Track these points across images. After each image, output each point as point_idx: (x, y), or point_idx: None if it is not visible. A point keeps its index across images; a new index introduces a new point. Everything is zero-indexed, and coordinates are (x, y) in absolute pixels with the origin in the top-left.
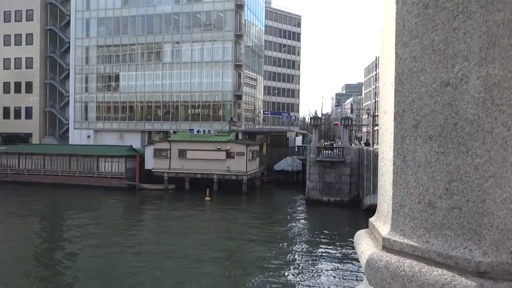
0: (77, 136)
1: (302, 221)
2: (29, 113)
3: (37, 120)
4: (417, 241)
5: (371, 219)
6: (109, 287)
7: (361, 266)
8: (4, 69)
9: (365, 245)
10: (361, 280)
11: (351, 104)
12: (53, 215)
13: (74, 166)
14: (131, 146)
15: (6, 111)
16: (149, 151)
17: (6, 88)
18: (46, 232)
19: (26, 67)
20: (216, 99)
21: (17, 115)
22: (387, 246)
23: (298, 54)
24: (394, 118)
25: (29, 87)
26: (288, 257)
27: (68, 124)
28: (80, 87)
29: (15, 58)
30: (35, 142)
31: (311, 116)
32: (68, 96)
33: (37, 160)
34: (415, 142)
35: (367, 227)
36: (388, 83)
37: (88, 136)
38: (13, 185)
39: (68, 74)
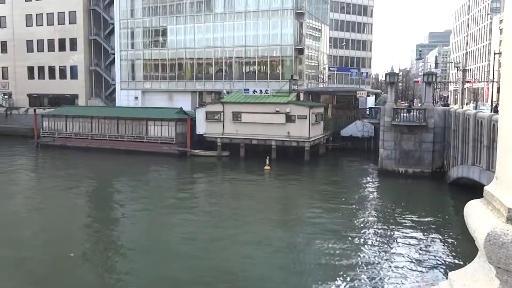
0: (124, 97)
1: (374, 195)
2: (74, 73)
3: (83, 80)
4: None
5: (488, 187)
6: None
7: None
8: (48, 25)
9: (482, 217)
10: (448, 267)
11: (436, 56)
12: (100, 183)
13: (122, 130)
14: (181, 108)
15: (52, 71)
16: (200, 114)
17: (51, 45)
18: (93, 201)
19: (70, 22)
20: (274, 54)
21: (62, 75)
22: None
23: None
24: None
25: (73, 44)
26: (357, 240)
27: (114, 84)
28: (126, 44)
29: (58, 13)
30: (81, 104)
31: (386, 72)
32: (114, 54)
33: (84, 124)
34: None
35: (453, 203)
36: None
37: (136, 97)
38: (61, 150)
39: (113, 29)
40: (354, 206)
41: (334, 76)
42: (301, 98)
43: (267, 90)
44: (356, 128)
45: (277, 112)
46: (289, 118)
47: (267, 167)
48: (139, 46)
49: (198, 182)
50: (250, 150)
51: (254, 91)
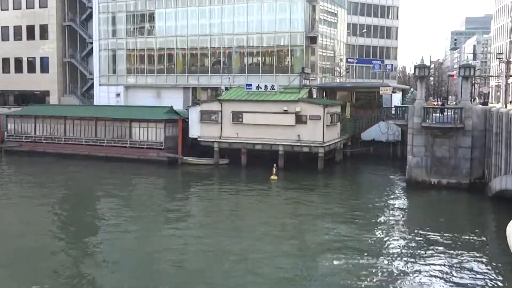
0: (104, 95)
1: (402, 212)
2: (44, 65)
3: (55, 74)
4: None
5: None
6: None
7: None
8: (14, 9)
9: None
10: None
11: (474, 46)
12: (74, 198)
13: (101, 133)
14: (171, 107)
15: (18, 63)
16: (194, 114)
17: (17, 33)
18: (65, 220)
19: (40, 6)
20: (282, 43)
21: (31, 68)
22: None
23: None
24: None
25: (43, 31)
26: (383, 267)
27: (92, 79)
28: (106, 31)
29: None
30: (53, 102)
31: (415, 65)
32: (92, 43)
33: (56, 125)
34: None
35: (496, 220)
36: None
37: (118, 95)
38: (29, 156)
39: (91, 14)
40: (378, 225)
41: (353, 69)
42: (314, 95)
43: (273, 85)
44: (379, 131)
45: (286, 112)
46: (300, 119)
47: (273, 177)
48: (122, 33)
49: (191, 196)
50: (253, 156)
51: (258, 87)
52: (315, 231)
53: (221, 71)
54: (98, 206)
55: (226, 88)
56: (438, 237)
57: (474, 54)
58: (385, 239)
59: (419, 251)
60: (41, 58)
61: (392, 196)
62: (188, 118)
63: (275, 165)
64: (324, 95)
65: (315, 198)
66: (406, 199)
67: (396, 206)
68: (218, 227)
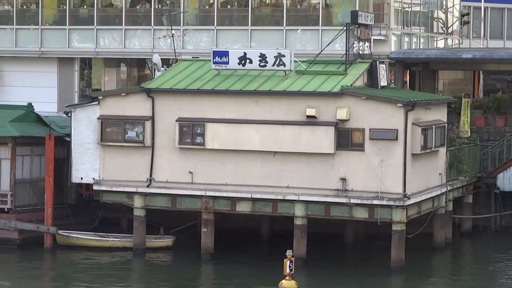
0: None
1: None
2: None
3: None
4: None
5: None
6: None
7: None
8: None
9: None
10: None
11: None
12: None
13: None
14: (31, 107)
15: None
16: (84, 126)
17: None
18: None
19: None
20: None
21: None
22: None
23: None
24: None
25: None
26: None
27: None
28: None
29: None
30: None
31: None
32: None
33: None
34: None
35: None
36: None
37: None
38: None
39: None
40: None
41: (476, 17)
42: (382, 82)
43: (281, 55)
44: None
45: (312, 122)
46: (346, 139)
47: (286, 284)
48: None
49: None
50: (232, 231)
51: (243, 59)
52: None
53: (153, 20)
54: None
55: (166, 63)
56: None
57: None
58: None
59: None
60: None
61: None
62: (69, 134)
63: (289, 252)
64: (408, 78)
65: None
66: None
67: None
68: None
